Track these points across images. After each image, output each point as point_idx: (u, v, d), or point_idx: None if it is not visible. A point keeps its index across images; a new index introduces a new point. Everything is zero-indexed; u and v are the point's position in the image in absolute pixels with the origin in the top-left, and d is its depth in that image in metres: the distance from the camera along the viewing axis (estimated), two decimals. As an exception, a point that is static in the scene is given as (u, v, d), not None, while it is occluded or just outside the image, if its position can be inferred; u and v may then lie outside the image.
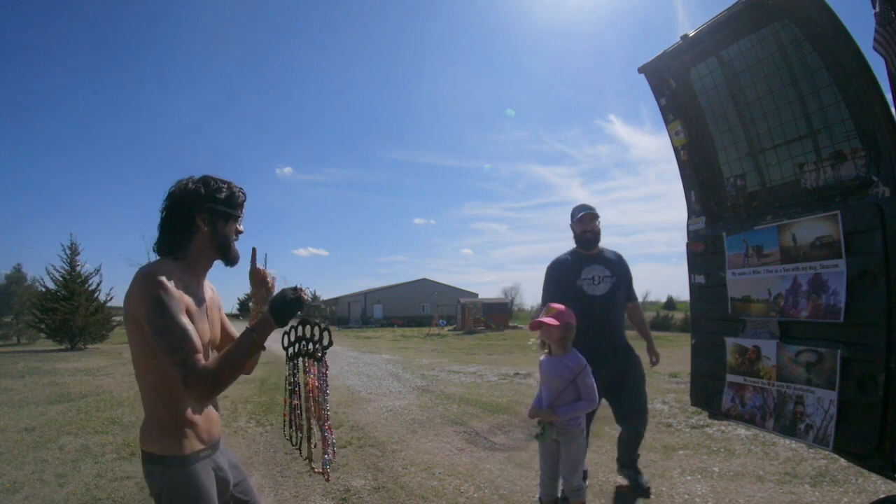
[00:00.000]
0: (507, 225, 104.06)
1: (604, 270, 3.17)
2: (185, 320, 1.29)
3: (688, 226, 2.20)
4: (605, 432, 4.76)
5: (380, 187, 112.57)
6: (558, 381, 2.48)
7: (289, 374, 1.59)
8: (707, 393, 2.01)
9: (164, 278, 1.29)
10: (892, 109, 1.46)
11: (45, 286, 18.73)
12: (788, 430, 1.67)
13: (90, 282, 19.07)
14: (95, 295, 18.93)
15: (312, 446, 1.57)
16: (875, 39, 1.41)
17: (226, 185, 1.49)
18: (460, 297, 36.36)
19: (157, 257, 1.45)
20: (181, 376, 1.24)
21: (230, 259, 1.50)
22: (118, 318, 21.72)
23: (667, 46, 2.09)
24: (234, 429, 5.25)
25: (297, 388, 1.58)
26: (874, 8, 1.42)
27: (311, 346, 1.49)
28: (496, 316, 29.25)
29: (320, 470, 1.50)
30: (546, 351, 2.62)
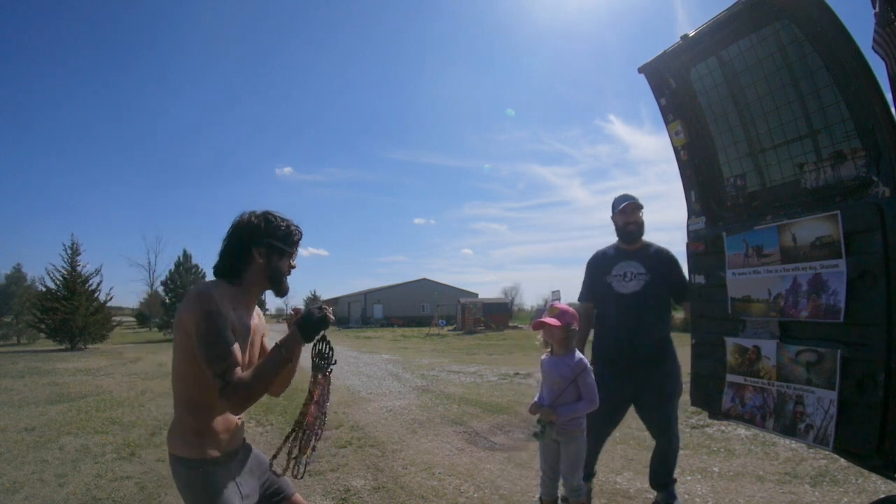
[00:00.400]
0: (508, 225, 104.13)
1: (638, 267, 2.85)
2: (230, 336, 1.42)
3: (688, 226, 2.20)
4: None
5: (380, 187, 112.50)
6: (559, 380, 2.48)
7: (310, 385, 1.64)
8: (707, 393, 2.01)
9: (216, 296, 1.44)
10: (892, 109, 1.46)
11: (45, 286, 18.75)
12: (788, 430, 1.67)
13: (90, 282, 19.10)
14: (96, 295, 18.95)
15: (310, 449, 1.59)
16: (874, 40, 1.41)
17: (284, 224, 1.62)
18: (460, 297, 36.38)
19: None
20: (220, 387, 1.36)
21: (280, 291, 1.64)
22: (118, 319, 21.75)
23: (666, 46, 2.09)
24: (234, 429, 5.25)
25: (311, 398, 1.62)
26: (874, 8, 1.42)
27: (321, 361, 1.61)
28: (496, 316, 29.28)
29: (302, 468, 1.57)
30: (548, 350, 2.63)
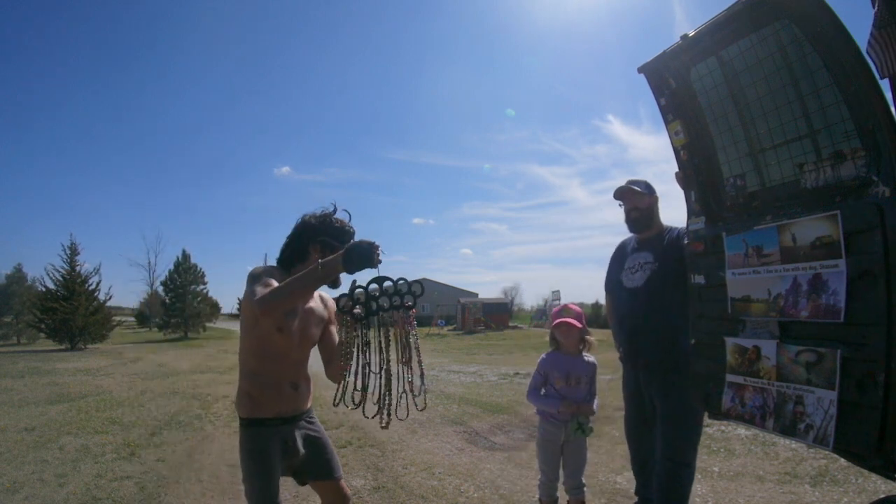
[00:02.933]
0: (507, 225, 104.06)
1: (647, 257, 2.54)
2: (270, 280, 1.60)
3: (687, 226, 2.19)
4: (605, 432, 4.76)
5: (379, 187, 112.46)
6: (583, 378, 2.52)
7: (359, 334, 1.58)
8: (707, 393, 2.01)
9: (264, 269, 1.69)
10: (893, 109, 1.45)
11: (45, 286, 18.74)
12: (788, 430, 1.67)
13: (90, 281, 19.11)
14: (95, 295, 18.95)
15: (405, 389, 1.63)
16: (869, 43, 1.41)
17: (339, 223, 1.82)
18: (460, 297, 36.36)
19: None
20: (255, 301, 1.52)
21: (333, 283, 1.75)
22: (118, 319, 21.74)
23: (665, 47, 2.09)
24: (234, 429, 5.25)
25: (367, 346, 1.58)
26: (874, 8, 1.42)
27: (401, 299, 1.58)
28: (496, 316, 29.26)
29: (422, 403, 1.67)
30: (553, 349, 2.64)
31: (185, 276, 25.56)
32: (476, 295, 43.08)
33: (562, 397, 2.48)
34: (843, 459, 1.95)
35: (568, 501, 2.54)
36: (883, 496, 2.49)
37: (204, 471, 3.91)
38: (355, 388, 1.57)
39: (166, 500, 3.35)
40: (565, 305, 2.66)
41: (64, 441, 4.74)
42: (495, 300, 35.12)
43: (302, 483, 1.91)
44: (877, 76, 1.44)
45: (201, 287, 26.23)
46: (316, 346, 1.95)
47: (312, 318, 1.86)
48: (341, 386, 1.57)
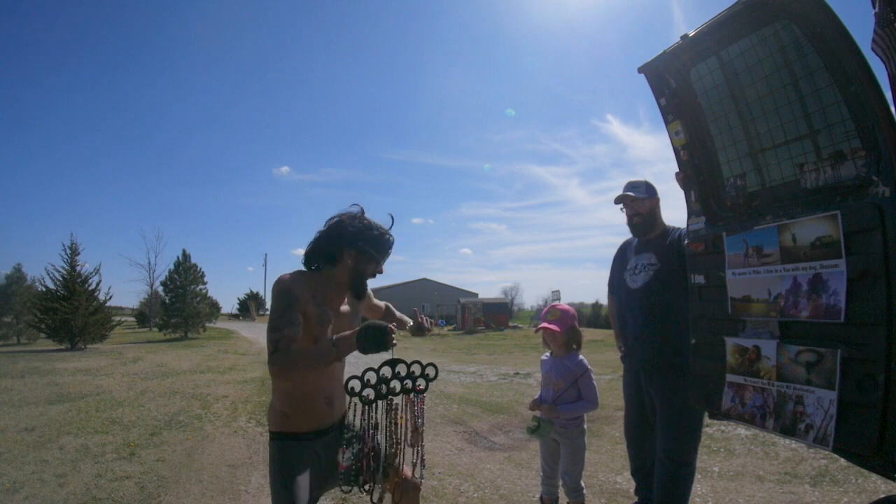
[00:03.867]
0: (506, 225, 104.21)
1: (650, 258, 2.54)
2: (292, 315, 1.53)
3: (688, 226, 2.19)
4: (605, 432, 4.76)
5: (378, 187, 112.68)
6: (560, 381, 2.49)
7: (365, 416, 1.66)
8: (707, 393, 2.01)
9: (291, 280, 1.59)
10: (892, 109, 1.45)
11: (45, 286, 18.73)
12: (788, 430, 1.67)
13: (90, 281, 19.07)
14: (95, 294, 18.92)
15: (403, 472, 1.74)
16: (874, 41, 1.41)
17: (378, 231, 1.72)
18: (460, 297, 36.36)
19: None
20: (269, 351, 1.49)
21: (359, 293, 1.75)
22: (118, 318, 21.73)
23: (664, 47, 2.09)
24: (234, 429, 5.25)
25: (373, 429, 1.67)
26: (874, 8, 1.42)
27: (413, 383, 1.66)
28: (496, 316, 29.25)
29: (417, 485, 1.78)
30: (549, 351, 2.64)
31: (184, 276, 25.53)
32: (476, 295, 43.09)
33: (541, 398, 2.53)
34: (843, 459, 1.95)
35: (568, 503, 2.54)
36: (883, 496, 2.48)
37: (204, 471, 3.91)
38: (361, 470, 1.67)
39: (166, 500, 3.35)
40: (552, 306, 2.64)
41: (64, 441, 4.74)
42: (495, 300, 35.10)
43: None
44: (878, 76, 1.44)
45: (201, 287, 26.21)
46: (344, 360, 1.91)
47: (346, 323, 1.78)
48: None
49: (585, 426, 2.53)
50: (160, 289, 27.44)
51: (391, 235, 1.77)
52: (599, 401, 2.51)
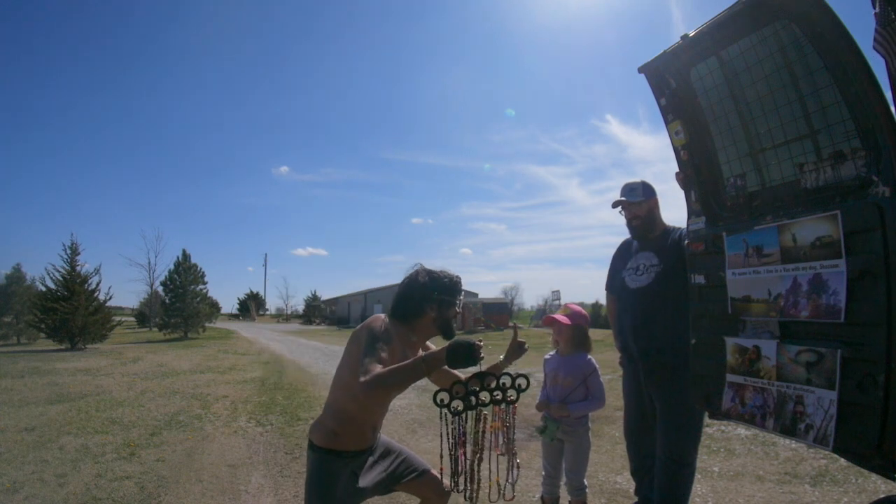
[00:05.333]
0: (506, 225, 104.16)
1: (652, 258, 2.53)
2: (384, 350, 1.66)
3: (688, 226, 2.19)
4: (605, 432, 4.76)
5: (376, 187, 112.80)
6: (569, 379, 2.50)
7: (457, 425, 1.71)
8: (707, 393, 2.01)
9: (389, 323, 1.78)
10: (892, 109, 1.45)
11: (45, 286, 18.72)
12: (788, 430, 1.67)
13: (90, 281, 19.06)
14: (95, 295, 18.91)
15: (498, 479, 1.80)
16: (875, 39, 1.41)
17: (447, 279, 1.90)
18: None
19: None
20: (361, 375, 1.56)
21: (449, 336, 1.87)
22: (118, 318, 21.72)
23: (663, 47, 2.09)
24: (234, 429, 5.25)
25: (464, 436, 1.72)
26: (874, 8, 1.42)
27: (503, 394, 1.73)
28: (496, 316, 29.27)
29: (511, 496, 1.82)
30: (555, 349, 2.64)
31: (184, 276, 25.52)
32: (476, 295, 43.03)
33: (546, 397, 2.53)
34: (843, 459, 1.95)
35: (570, 502, 2.54)
36: (883, 496, 2.48)
37: (204, 471, 3.91)
38: (454, 475, 1.72)
39: (166, 500, 3.35)
40: (565, 305, 2.66)
41: (64, 441, 4.74)
42: (495, 300, 35.12)
43: (387, 491, 1.98)
44: (878, 76, 1.44)
45: (201, 287, 26.21)
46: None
47: None
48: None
49: (590, 424, 2.54)
50: (160, 289, 27.44)
51: (457, 277, 1.94)
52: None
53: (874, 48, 1.42)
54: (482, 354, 1.59)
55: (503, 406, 1.76)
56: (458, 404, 1.65)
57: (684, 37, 1.96)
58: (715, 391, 1.96)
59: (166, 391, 7.68)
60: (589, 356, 2.55)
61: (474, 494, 1.73)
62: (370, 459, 1.90)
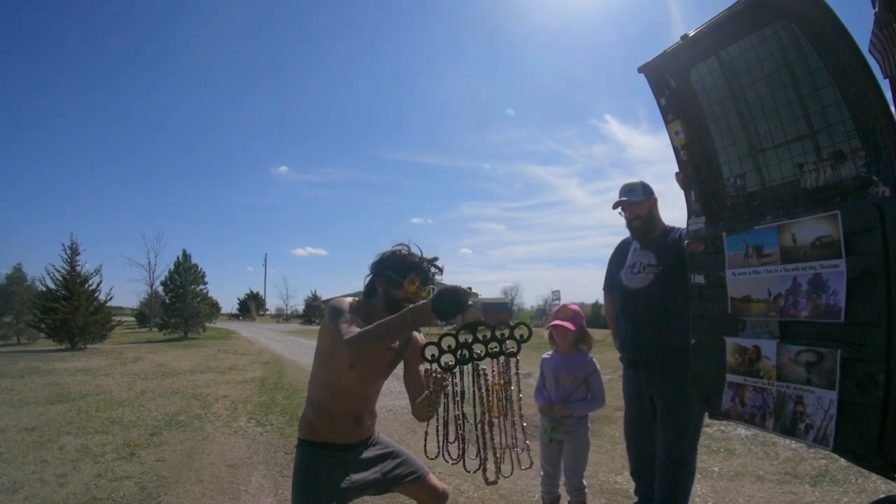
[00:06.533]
0: (506, 225, 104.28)
1: (650, 258, 2.54)
2: (354, 317, 1.61)
3: (688, 226, 2.19)
4: (605, 432, 4.76)
5: (376, 187, 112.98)
6: (570, 379, 2.51)
7: (450, 383, 1.57)
8: (707, 393, 2.01)
9: (345, 301, 1.70)
10: (893, 109, 1.45)
11: (45, 286, 18.73)
12: (788, 430, 1.67)
13: (90, 282, 19.07)
14: (96, 295, 18.92)
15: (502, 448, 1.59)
16: (871, 42, 1.41)
17: (400, 256, 1.80)
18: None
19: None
20: (344, 336, 1.51)
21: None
22: (118, 319, 21.73)
23: (662, 47, 2.09)
24: (234, 429, 5.25)
25: (464, 394, 1.58)
26: (874, 8, 1.42)
27: (500, 345, 1.52)
28: (496, 315, 29.24)
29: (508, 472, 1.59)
30: (553, 350, 2.64)
31: (185, 276, 25.52)
32: (476, 295, 43.03)
33: (546, 398, 2.53)
34: (843, 459, 1.95)
35: (569, 502, 2.54)
36: (883, 496, 2.48)
37: (204, 471, 3.91)
38: (448, 441, 1.59)
39: (166, 500, 3.35)
40: (564, 306, 2.66)
41: (64, 441, 4.74)
42: (495, 300, 35.11)
43: (383, 492, 1.92)
44: (878, 76, 1.44)
45: (201, 287, 26.21)
46: (380, 387, 1.96)
47: (387, 355, 1.84)
48: (437, 438, 1.59)
49: (589, 424, 2.54)
50: (160, 289, 27.45)
51: (416, 255, 1.81)
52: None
53: (869, 50, 1.42)
54: (470, 301, 1.48)
55: (501, 360, 1.54)
56: (448, 359, 1.51)
57: (684, 37, 1.96)
58: (715, 391, 1.96)
59: (166, 391, 7.68)
60: (590, 355, 2.56)
61: (488, 466, 1.55)
62: (365, 456, 1.84)
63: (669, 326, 2.39)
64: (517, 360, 1.57)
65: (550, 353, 2.66)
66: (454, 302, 1.42)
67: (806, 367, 1.62)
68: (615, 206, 2.64)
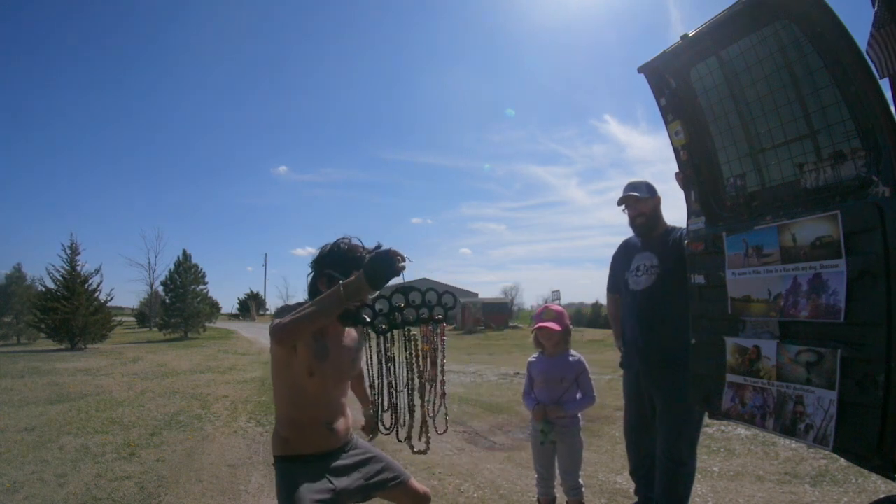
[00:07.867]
0: (506, 225, 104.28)
1: (652, 259, 2.54)
2: (288, 311, 1.50)
3: (688, 226, 2.19)
4: (605, 432, 4.76)
5: (376, 187, 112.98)
6: (561, 379, 2.49)
7: (383, 347, 1.55)
8: (707, 393, 2.01)
9: (286, 305, 1.59)
10: (893, 109, 1.45)
11: (45, 286, 18.75)
12: (788, 430, 1.67)
13: (90, 282, 19.09)
14: (96, 295, 18.94)
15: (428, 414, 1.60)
16: (869, 43, 1.41)
17: (339, 250, 1.69)
18: (460, 297, 36.31)
19: None
20: (274, 325, 1.44)
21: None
22: (118, 319, 21.74)
23: (663, 47, 2.09)
24: (234, 429, 5.25)
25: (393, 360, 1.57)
26: (874, 8, 1.42)
27: (429, 311, 1.50)
28: (496, 316, 29.23)
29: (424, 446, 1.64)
30: (539, 351, 2.64)
31: (185, 276, 25.53)
32: (476, 295, 43.04)
33: (537, 400, 2.52)
34: (843, 459, 1.95)
35: (567, 502, 2.54)
36: (883, 496, 2.48)
37: (204, 471, 3.91)
38: (382, 409, 1.59)
39: (166, 500, 3.35)
40: (546, 307, 2.66)
41: (64, 441, 4.74)
42: (495, 300, 35.09)
43: (366, 498, 1.83)
44: (877, 76, 1.44)
45: (201, 287, 26.22)
46: (346, 390, 1.90)
47: (347, 355, 1.76)
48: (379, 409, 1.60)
49: (583, 423, 2.54)
50: (160, 289, 27.47)
51: (357, 251, 1.67)
52: (598, 399, 2.53)
53: (866, 52, 1.42)
54: (402, 263, 1.36)
55: (430, 326, 1.52)
56: (381, 322, 1.46)
57: (684, 37, 1.96)
58: (715, 391, 1.96)
59: (166, 391, 7.68)
60: (578, 355, 2.56)
61: (411, 431, 1.56)
62: (345, 462, 1.76)
63: (670, 327, 2.40)
64: (443, 327, 1.57)
65: (536, 355, 2.65)
66: (387, 267, 1.33)
67: (806, 367, 1.62)
68: (620, 202, 2.65)
